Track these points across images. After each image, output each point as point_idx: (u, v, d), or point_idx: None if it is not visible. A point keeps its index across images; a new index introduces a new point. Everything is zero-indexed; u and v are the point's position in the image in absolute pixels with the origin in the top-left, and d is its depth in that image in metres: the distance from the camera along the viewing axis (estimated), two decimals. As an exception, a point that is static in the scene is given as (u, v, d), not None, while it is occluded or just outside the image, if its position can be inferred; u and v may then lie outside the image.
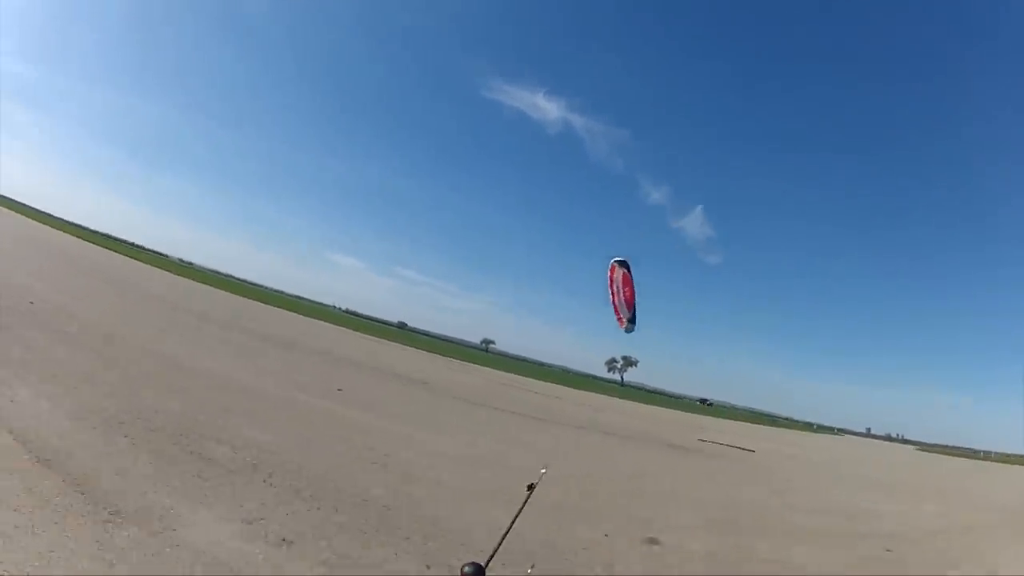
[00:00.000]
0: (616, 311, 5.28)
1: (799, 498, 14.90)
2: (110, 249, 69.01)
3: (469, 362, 57.57)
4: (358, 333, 55.50)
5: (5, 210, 70.56)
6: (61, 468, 5.27)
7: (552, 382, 60.94)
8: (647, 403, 65.65)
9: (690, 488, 13.56)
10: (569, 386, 60.55)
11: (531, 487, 1.82)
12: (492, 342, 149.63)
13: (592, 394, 56.80)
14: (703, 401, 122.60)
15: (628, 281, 5.26)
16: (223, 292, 53.96)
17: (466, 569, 1.12)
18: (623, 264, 5.30)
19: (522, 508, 1.54)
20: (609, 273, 5.32)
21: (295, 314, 56.93)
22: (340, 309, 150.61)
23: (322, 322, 56.55)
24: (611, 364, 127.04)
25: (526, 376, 58.26)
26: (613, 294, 5.29)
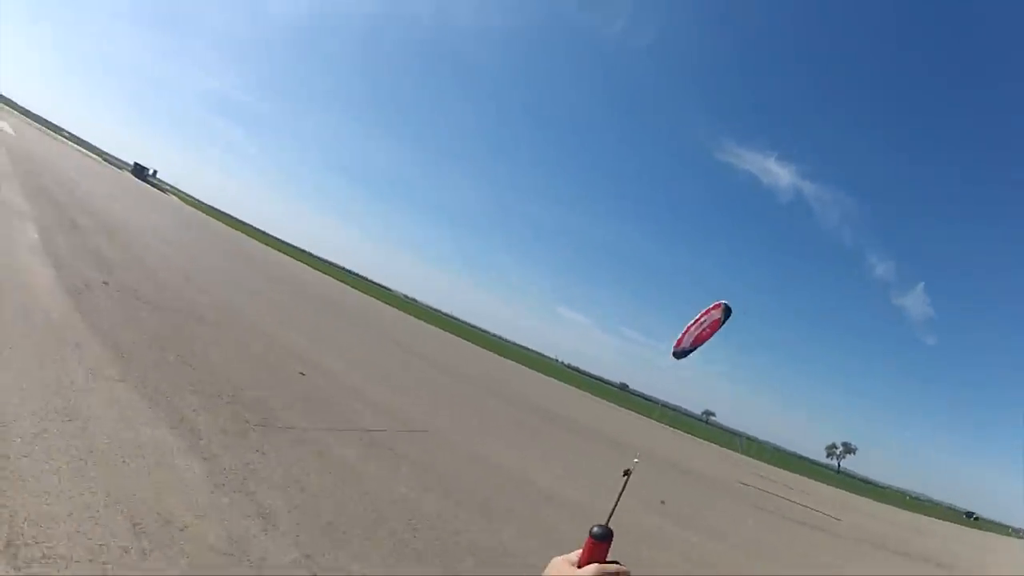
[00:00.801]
0: (684, 333, 4.39)
1: None
2: (349, 284, 70.01)
3: (698, 437, 57.27)
4: (604, 401, 54.92)
5: (252, 240, 71.65)
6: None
7: (782, 467, 56.29)
8: (894, 505, 55.13)
9: None
10: (784, 468, 56.20)
11: (627, 473, 1.54)
12: (712, 414, 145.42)
13: (846, 493, 48.01)
14: (969, 515, 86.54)
15: (716, 326, 4.49)
16: (465, 341, 54.60)
17: (595, 529, 0.99)
18: (726, 311, 4.97)
19: (623, 488, 1.25)
20: (708, 308, 4.54)
21: (534, 372, 56.48)
22: (562, 363, 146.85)
23: (568, 385, 56.46)
24: (831, 450, 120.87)
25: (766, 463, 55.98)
26: (694, 322, 4.57)
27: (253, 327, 12.42)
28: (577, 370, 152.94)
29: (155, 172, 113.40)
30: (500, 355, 59.75)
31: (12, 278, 7.75)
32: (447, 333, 57.46)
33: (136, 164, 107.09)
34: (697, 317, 3.77)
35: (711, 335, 3.57)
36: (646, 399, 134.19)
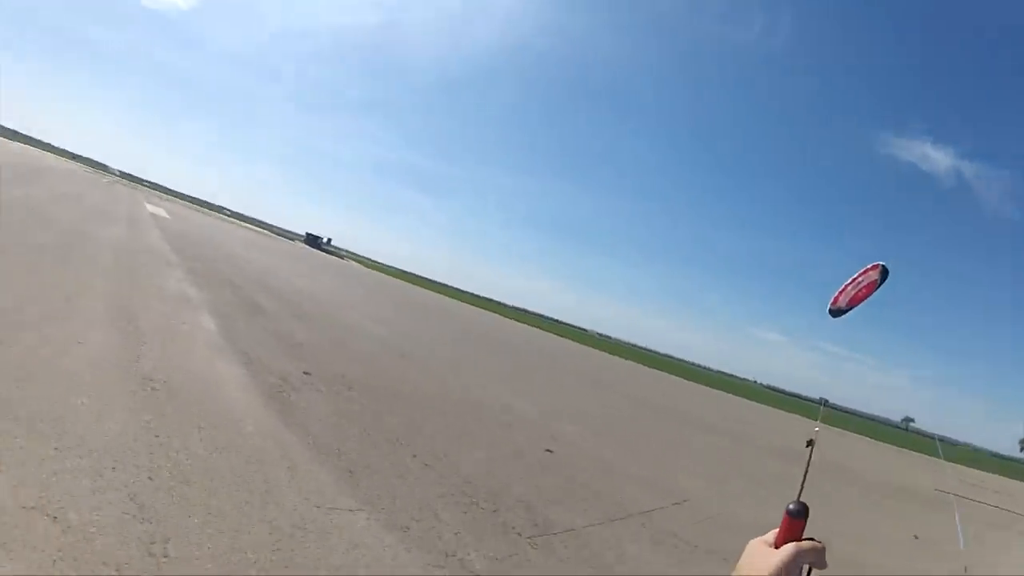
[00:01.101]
0: (842, 291, 6.54)
1: None
2: (551, 331, 71.88)
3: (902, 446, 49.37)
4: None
5: (443, 296, 74.76)
6: None
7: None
8: None
9: None
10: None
11: (810, 443, 1.54)
12: (912, 420, 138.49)
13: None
14: None
15: (873, 288, 7.11)
16: (671, 376, 53.81)
17: (791, 507, 1.03)
18: (884, 272, 6.99)
19: (809, 460, 1.40)
20: (866, 268, 6.68)
21: (748, 400, 53.99)
22: (761, 384, 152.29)
23: (788, 413, 48.43)
24: None
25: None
26: (852, 281, 6.48)
27: (481, 402, 11.34)
28: (776, 390, 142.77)
29: (329, 240, 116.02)
30: (707, 385, 56.65)
31: (193, 387, 6.25)
32: (651, 369, 55.73)
33: (308, 234, 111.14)
34: (855, 276, 3.91)
35: (867, 295, 3.66)
36: (847, 412, 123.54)
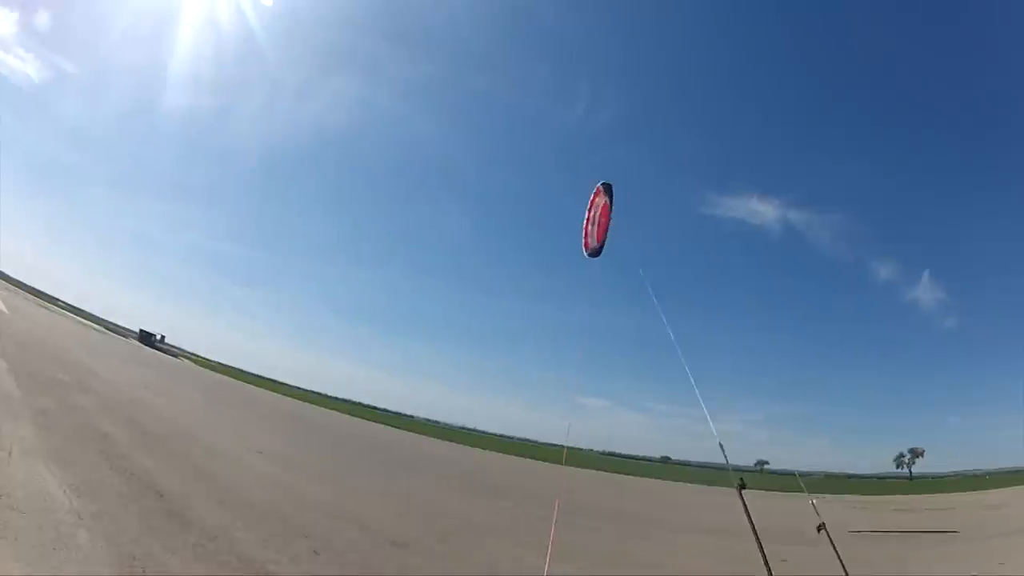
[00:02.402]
0: (586, 234, 4.96)
1: None
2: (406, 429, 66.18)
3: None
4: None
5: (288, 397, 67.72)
6: None
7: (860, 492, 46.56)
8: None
9: None
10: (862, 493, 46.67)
11: (821, 528, 1.95)
12: (766, 462, 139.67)
13: None
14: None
15: (607, 209, 4.95)
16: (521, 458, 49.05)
17: None
18: (608, 190, 4.99)
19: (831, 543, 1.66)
20: (592, 197, 5.02)
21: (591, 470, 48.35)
22: (598, 452, 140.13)
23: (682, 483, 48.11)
24: (899, 460, 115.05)
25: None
26: (587, 219, 4.98)
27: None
28: (615, 455, 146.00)
29: (163, 337, 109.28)
30: (542, 460, 54.33)
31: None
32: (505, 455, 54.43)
33: (142, 331, 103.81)
34: (587, 215, 4.18)
35: (609, 220, 3.94)
36: (694, 466, 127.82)
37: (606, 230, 4.79)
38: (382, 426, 60.87)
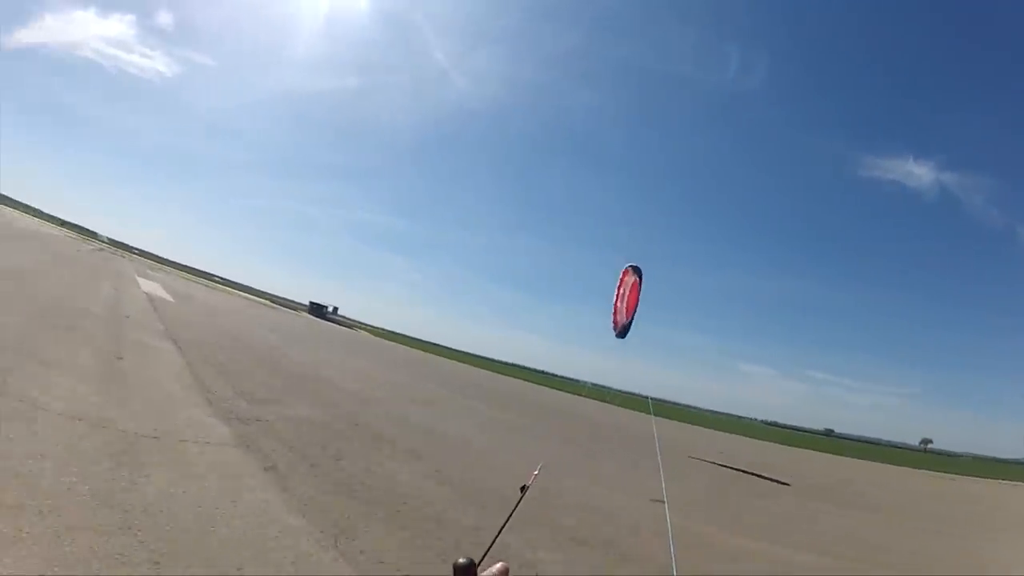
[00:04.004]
0: (615, 312, 5.29)
1: None
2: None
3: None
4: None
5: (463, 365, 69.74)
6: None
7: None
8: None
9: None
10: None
11: (524, 488, 1.92)
12: (930, 441, 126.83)
13: None
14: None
15: (636, 289, 5.25)
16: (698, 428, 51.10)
17: (460, 561, 1.04)
18: (636, 271, 5.29)
19: (515, 508, 1.72)
20: (621, 276, 5.34)
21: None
22: (761, 422, 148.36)
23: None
24: None
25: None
26: (618, 296, 5.32)
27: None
28: (777, 425, 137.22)
29: (335, 309, 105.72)
30: (723, 430, 55.00)
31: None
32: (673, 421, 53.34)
33: (312, 303, 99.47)
34: (617, 291, 4.98)
35: (638, 298, 4.70)
36: (860, 441, 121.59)
37: (634, 309, 5.05)
38: (564, 393, 58.90)
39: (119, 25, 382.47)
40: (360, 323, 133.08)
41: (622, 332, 5.21)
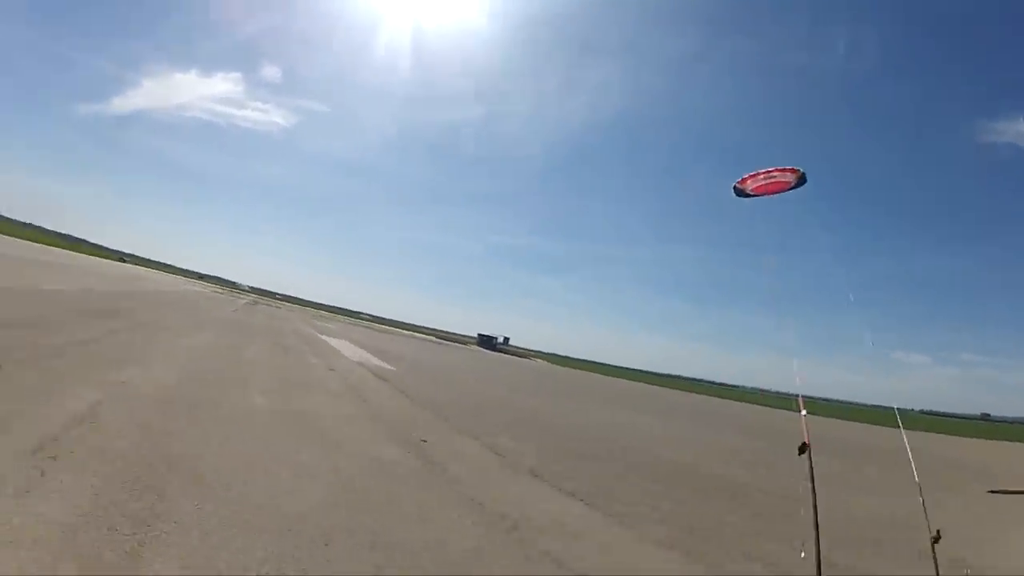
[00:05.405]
0: (751, 176, 4.96)
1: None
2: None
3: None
4: None
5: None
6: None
7: None
8: None
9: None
10: None
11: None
12: None
13: None
14: None
15: (781, 188, 4.88)
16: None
17: None
18: (801, 179, 4.87)
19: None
20: (786, 168, 4.97)
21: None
22: (918, 412, 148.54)
23: None
24: None
25: None
26: (766, 171, 4.96)
27: None
28: (936, 413, 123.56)
29: (506, 339, 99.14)
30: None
31: None
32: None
33: (480, 335, 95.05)
34: (770, 170, 4.68)
35: (774, 193, 4.50)
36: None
37: (762, 194, 4.87)
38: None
39: (225, 84, 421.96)
40: (530, 351, 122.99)
41: (738, 192, 5.01)
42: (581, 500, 7.30)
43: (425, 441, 8.99)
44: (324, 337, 34.59)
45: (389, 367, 22.89)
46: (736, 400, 73.96)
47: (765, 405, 61.67)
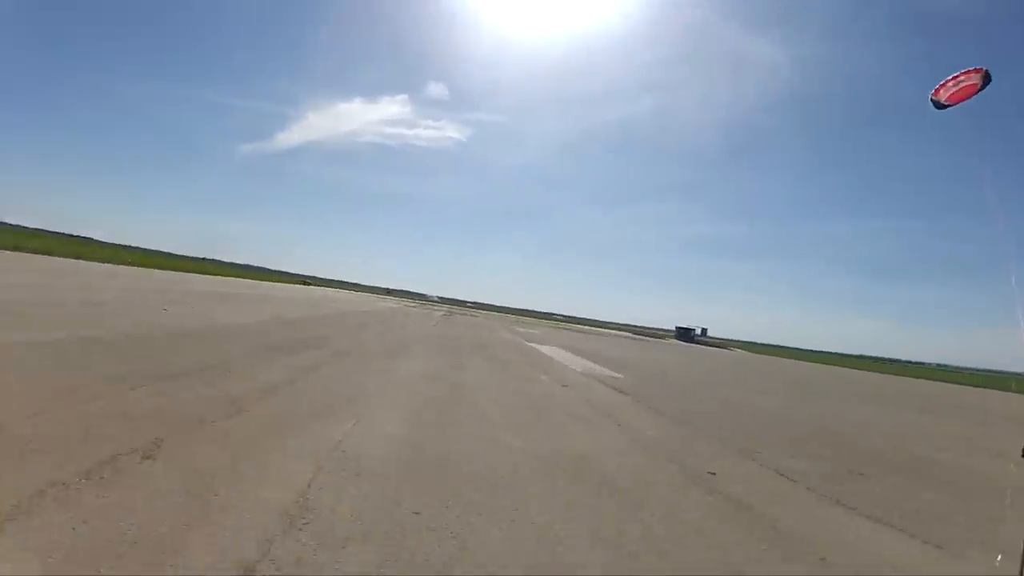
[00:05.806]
0: (942, 86, 4.60)
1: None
2: None
3: None
4: None
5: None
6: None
7: None
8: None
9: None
10: None
11: None
12: None
13: None
14: None
15: (971, 92, 4.47)
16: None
17: None
18: (986, 78, 4.47)
19: None
20: (970, 70, 4.56)
21: None
22: None
23: None
24: None
25: None
26: (954, 77, 4.57)
27: None
28: None
29: (704, 331, 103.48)
30: None
31: None
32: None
33: (679, 328, 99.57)
34: (956, 75, 4.47)
35: (965, 98, 4.33)
36: None
37: (958, 101, 4.69)
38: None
39: (392, 106, 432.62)
40: (728, 340, 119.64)
41: (936, 104, 4.96)
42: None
43: (713, 474, 7.27)
44: (533, 345, 32.53)
45: (616, 375, 20.72)
46: (968, 385, 58.50)
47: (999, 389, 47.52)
